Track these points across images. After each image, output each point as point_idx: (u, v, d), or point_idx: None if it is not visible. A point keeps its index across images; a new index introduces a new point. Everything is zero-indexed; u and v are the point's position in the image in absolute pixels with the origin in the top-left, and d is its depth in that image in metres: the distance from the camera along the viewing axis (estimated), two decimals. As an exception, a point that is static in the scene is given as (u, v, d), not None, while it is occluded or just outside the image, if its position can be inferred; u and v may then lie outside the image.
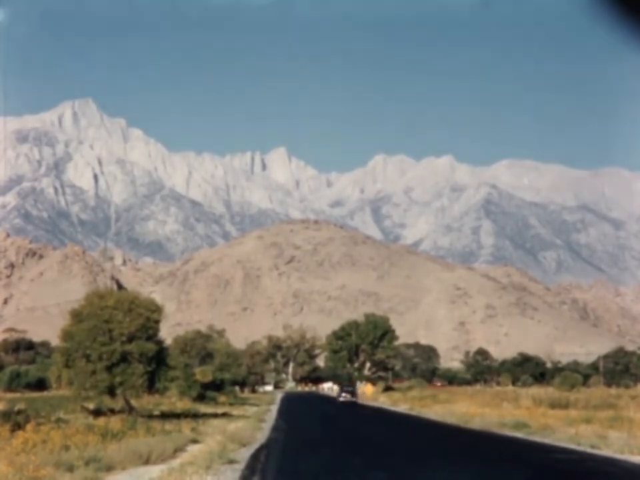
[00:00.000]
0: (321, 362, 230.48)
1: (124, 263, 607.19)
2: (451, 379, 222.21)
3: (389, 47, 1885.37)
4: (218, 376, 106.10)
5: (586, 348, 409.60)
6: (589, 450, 36.52)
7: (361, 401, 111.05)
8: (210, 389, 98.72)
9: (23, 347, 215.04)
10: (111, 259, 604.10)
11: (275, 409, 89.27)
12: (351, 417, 74.04)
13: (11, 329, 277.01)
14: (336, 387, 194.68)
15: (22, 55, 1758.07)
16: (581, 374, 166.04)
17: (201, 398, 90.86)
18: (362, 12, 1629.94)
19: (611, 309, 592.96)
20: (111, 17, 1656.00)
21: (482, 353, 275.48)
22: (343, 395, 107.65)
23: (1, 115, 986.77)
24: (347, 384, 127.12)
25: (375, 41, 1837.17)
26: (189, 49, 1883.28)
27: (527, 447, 38.67)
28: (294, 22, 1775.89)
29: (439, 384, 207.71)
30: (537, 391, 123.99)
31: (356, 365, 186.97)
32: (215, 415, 67.37)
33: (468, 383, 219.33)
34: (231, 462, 30.51)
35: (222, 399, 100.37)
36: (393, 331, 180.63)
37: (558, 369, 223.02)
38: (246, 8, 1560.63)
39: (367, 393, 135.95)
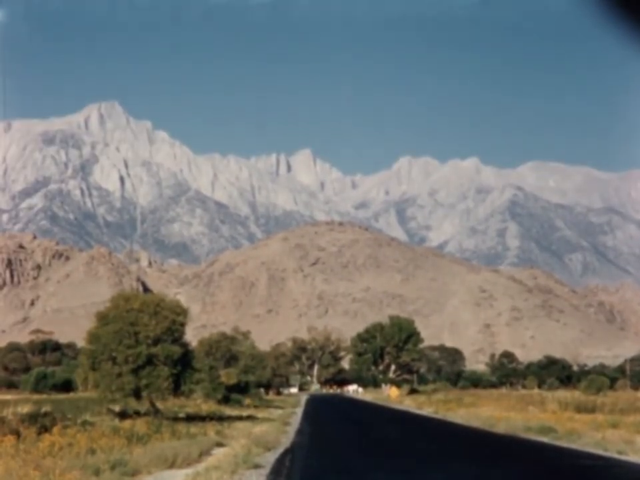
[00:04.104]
0: (345, 364, 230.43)
1: (149, 264, 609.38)
2: (476, 381, 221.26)
3: (412, 48, 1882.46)
4: (243, 378, 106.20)
5: (612, 351, 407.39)
6: (616, 456, 36.22)
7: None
8: (235, 392, 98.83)
9: (50, 348, 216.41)
10: (137, 260, 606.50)
11: (299, 411, 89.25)
12: (375, 420, 73.94)
13: (37, 331, 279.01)
14: (361, 390, 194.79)
15: (44, 57, 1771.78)
16: (607, 377, 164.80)
17: (225, 400, 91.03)
18: (363, 12, 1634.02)
19: (637, 312, 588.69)
20: (113, 18, 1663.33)
21: (507, 355, 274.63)
22: None
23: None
24: None
25: (392, 42, 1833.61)
26: (209, 50, 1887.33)
27: (553, 452, 38.43)
28: (317, 21, 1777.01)
29: None
30: (563, 394, 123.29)
31: (381, 367, 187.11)
32: (240, 418, 67.47)
33: (493, 385, 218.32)
34: (256, 466, 30.53)
35: (247, 401, 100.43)
36: (418, 334, 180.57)
37: (584, 372, 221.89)
38: (249, 7, 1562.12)
39: (392, 395, 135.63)
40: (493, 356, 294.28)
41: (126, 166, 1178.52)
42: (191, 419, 60.64)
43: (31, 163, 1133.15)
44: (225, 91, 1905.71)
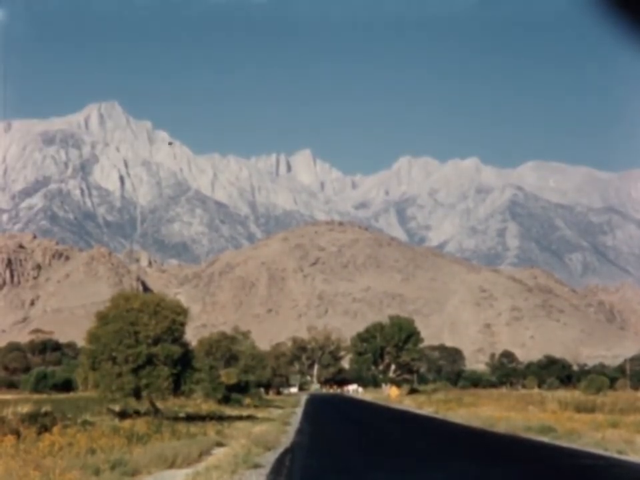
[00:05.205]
0: (345, 364, 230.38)
1: (149, 264, 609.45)
2: (476, 381, 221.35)
3: (411, 48, 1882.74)
4: (243, 378, 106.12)
5: (612, 351, 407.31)
6: (616, 455, 36.23)
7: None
8: (235, 391, 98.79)
9: (50, 348, 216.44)
10: (137, 260, 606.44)
11: (299, 411, 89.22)
12: (375, 420, 73.91)
13: (37, 330, 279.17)
14: (361, 389, 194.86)
15: (44, 57, 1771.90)
16: (607, 377, 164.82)
17: (225, 400, 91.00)
18: (363, 12, 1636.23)
19: (637, 311, 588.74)
20: (113, 18, 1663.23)
21: (507, 355, 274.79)
22: None
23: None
24: None
25: (392, 42, 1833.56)
26: (209, 50, 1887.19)
27: (553, 452, 38.42)
28: (315, 21, 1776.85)
29: None
30: (562, 394, 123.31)
31: (381, 367, 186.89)
32: (240, 418, 67.45)
33: (493, 385, 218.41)
34: (256, 466, 30.54)
35: (247, 401, 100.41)
36: (418, 333, 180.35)
37: (584, 372, 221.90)
38: (249, 7, 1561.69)
39: (392, 395, 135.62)
40: (492, 356, 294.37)
41: (126, 166, 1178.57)
42: (191, 418, 60.62)
43: (31, 162, 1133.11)
44: (225, 90, 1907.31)
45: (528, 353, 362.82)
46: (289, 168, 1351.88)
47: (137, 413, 59.01)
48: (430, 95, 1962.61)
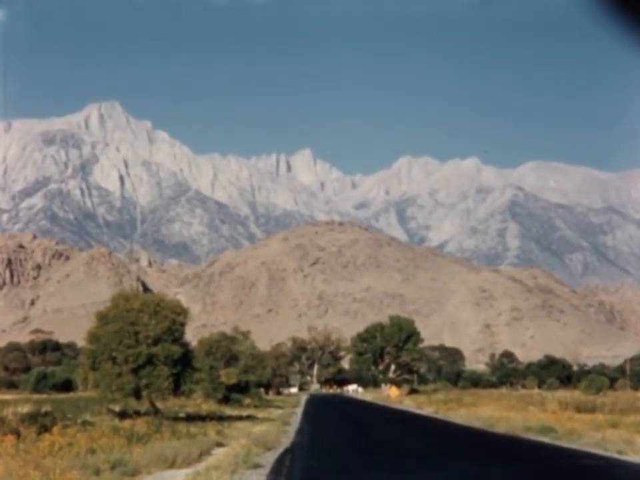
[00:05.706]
0: (345, 364, 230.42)
1: (149, 264, 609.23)
2: (476, 381, 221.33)
3: (412, 47, 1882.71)
4: (243, 378, 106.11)
5: (612, 351, 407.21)
6: (616, 455, 36.22)
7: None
8: (235, 391, 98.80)
9: (50, 348, 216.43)
10: (137, 260, 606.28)
11: (299, 411, 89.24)
12: (375, 420, 73.91)
13: (37, 330, 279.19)
14: (361, 389, 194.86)
15: (44, 57, 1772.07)
16: (607, 377, 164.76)
17: (225, 400, 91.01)
18: (363, 11, 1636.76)
19: (637, 312, 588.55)
20: (113, 18, 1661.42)
21: (507, 355, 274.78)
22: None
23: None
24: None
25: (392, 42, 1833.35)
26: (209, 50, 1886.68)
27: (553, 452, 38.41)
28: (311, 21, 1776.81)
29: None
30: (563, 394, 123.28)
31: (381, 367, 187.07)
32: (240, 418, 67.45)
33: (493, 385, 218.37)
34: (256, 466, 30.54)
35: (247, 401, 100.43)
36: (418, 334, 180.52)
37: (584, 372, 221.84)
38: (249, 7, 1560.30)
39: (392, 395, 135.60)
40: (492, 356, 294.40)
41: (126, 166, 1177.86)
42: (191, 418, 60.61)
43: (31, 162, 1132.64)
44: (225, 90, 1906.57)
45: (528, 353, 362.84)
46: (289, 168, 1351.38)
47: (137, 413, 59.00)
48: (430, 95, 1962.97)
